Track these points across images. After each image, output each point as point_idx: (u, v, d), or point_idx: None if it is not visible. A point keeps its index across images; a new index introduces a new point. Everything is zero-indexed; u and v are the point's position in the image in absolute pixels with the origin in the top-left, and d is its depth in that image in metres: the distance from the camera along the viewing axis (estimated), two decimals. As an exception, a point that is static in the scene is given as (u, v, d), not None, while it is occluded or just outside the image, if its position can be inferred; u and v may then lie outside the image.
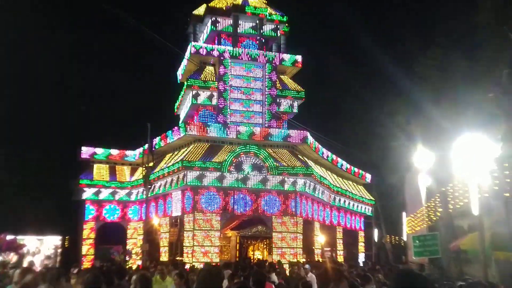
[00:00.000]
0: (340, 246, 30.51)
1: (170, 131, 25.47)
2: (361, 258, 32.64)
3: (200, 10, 28.34)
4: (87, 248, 27.09)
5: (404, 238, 32.30)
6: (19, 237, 19.31)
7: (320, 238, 27.17)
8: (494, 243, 15.83)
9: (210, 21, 27.16)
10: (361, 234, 34.98)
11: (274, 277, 11.33)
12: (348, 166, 32.75)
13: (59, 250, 19.60)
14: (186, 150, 24.57)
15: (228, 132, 24.27)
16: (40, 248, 20.08)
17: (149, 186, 22.46)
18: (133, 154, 28.78)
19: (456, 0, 20.21)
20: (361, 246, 34.37)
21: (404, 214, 31.03)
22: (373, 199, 35.73)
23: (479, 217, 13.65)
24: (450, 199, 18.87)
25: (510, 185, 14.71)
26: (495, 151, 14.70)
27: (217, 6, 27.51)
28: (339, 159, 31.10)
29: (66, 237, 29.06)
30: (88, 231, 27.40)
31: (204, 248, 22.27)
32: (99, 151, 28.59)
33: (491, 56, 16.63)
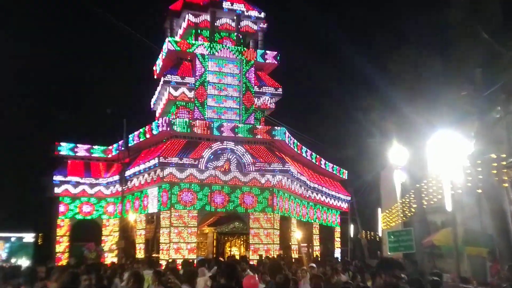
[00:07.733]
0: (316, 241, 30.71)
1: (143, 129, 25.09)
2: (337, 253, 32.93)
3: (177, 5, 28.11)
4: (64, 246, 26.68)
5: (379, 233, 32.69)
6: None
7: (297, 234, 27.30)
8: (467, 239, 16.13)
9: (187, 16, 26.98)
10: (337, 230, 35.28)
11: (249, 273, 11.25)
12: (325, 162, 32.95)
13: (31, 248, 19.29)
14: (162, 146, 24.35)
15: (204, 128, 24.12)
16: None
17: (125, 183, 22.23)
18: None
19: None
20: (337, 242, 34.68)
21: (379, 210, 31.38)
22: (349, 195, 36.05)
23: (452, 213, 13.89)
24: (424, 195, 19.14)
25: (483, 181, 14.99)
26: (468, 148, 14.95)
27: (194, 2, 27.32)
28: (316, 155, 31.25)
29: (40, 234, 28.58)
30: (66, 228, 27.04)
31: (180, 245, 22.16)
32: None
33: (463, 54, 16.82)
